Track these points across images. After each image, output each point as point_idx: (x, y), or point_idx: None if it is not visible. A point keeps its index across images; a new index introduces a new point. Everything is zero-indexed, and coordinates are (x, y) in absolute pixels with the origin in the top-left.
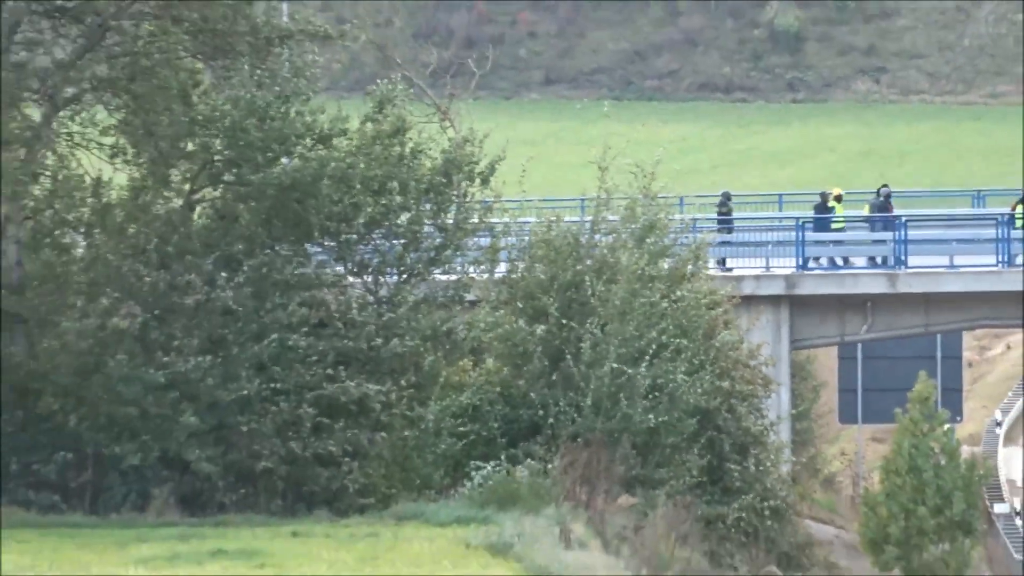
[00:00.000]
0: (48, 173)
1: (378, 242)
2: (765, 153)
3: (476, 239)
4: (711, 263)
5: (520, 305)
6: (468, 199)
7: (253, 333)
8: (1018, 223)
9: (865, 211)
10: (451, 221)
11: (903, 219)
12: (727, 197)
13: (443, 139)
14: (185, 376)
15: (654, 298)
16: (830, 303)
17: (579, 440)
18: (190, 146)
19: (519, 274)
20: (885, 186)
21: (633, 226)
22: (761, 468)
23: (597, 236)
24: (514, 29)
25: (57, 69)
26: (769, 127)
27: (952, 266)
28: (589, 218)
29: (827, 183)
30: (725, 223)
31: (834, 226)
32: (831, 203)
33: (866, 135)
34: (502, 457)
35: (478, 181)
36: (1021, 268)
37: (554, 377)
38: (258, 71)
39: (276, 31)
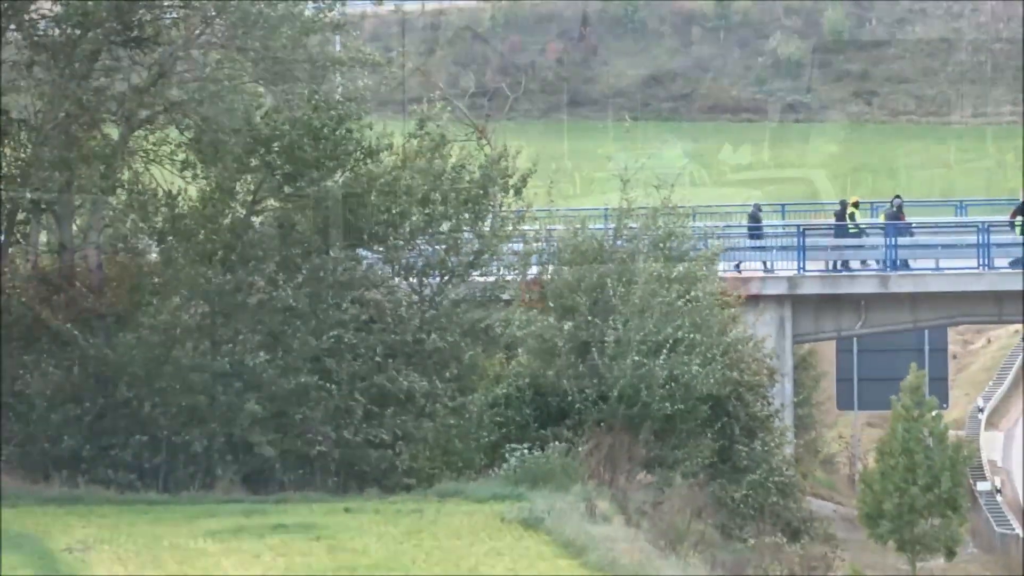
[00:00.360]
0: (125, 186)
1: (422, 247)
2: (769, 168)
3: (510, 244)
4: (730, 266)
5: (551, 304)
6: (503, 209)
7: (311, 329)
8: (1017, 230)
9: (881, 219)
10: (488, 228)
11: (911, 227)
12: (758, 208)
13: (480, 155)
14: (250, 368)
15: (670, 297)
16: (828, 302)
17: (603, 425)
18: (253, 162)
19: (549, 276)
20: (898, 196)
21: (653, 232)
22: (767, 450)
23: (619, 242)
24: (543, 57)
25: (133, 93)
26: (772, 145)
27: (937, 268)
28: (612, 226)
29: (824, 195)
30: (756, 231)
31: (852, 231)
32: (851, 210)
33: (859, 152)
34: (533, 441)
35: (512, 192)
36: (999, 270)
37: (581, 369)
38: (315, 96)
39: (330, 59)
